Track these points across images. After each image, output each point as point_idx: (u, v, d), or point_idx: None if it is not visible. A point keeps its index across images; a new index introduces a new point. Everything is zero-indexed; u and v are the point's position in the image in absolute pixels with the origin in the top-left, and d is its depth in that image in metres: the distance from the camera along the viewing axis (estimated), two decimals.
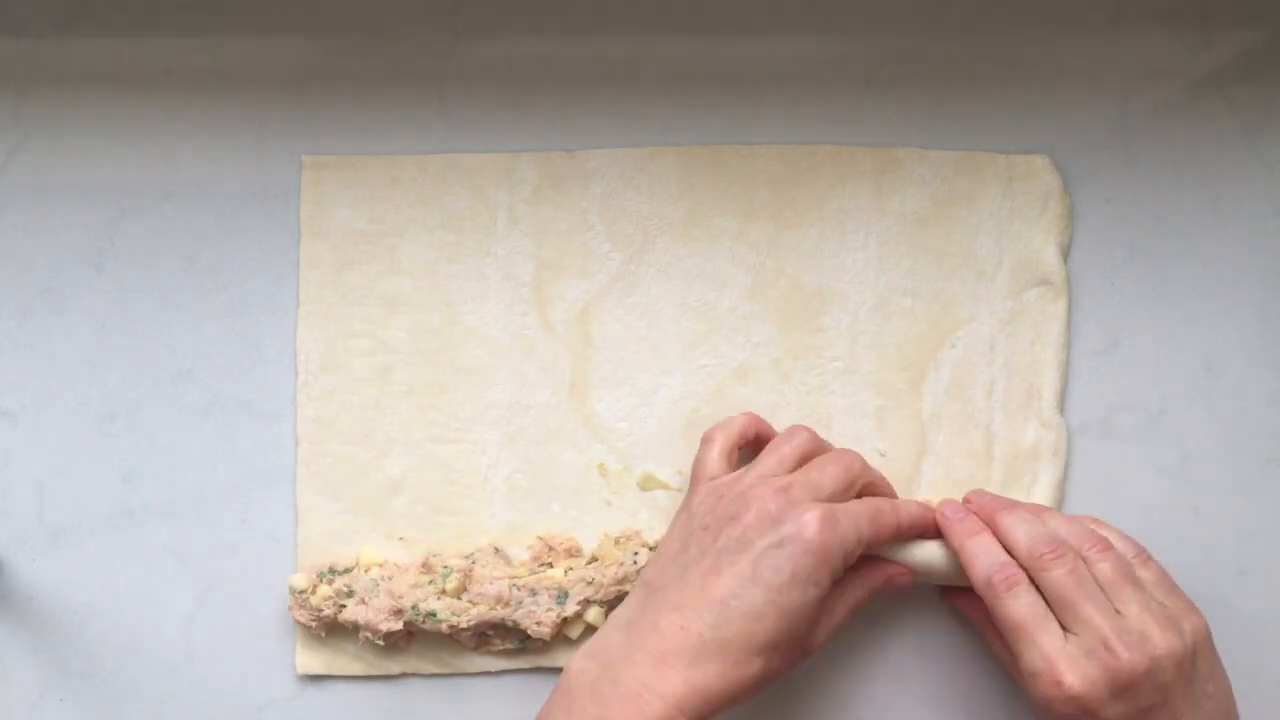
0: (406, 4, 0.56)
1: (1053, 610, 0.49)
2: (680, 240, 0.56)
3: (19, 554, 0.56)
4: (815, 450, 0.52)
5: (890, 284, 0.56)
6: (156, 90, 0.56)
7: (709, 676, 0.46)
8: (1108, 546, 0.50)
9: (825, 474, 0.50)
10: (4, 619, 0.56)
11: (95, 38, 0.56)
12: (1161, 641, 0.47)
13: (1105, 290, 0.56)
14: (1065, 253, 0.56)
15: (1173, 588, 0.51)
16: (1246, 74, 0.56)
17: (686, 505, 0.51)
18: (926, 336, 0.56)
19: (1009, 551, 0.50)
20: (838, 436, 0.56)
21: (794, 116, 0.56)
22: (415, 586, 0.54)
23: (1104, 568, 0.49)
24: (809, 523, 0.47)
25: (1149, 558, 0.51)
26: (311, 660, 0.56)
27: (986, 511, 0.52)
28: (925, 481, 0.56)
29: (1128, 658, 0.47)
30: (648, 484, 0.56)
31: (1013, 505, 0.52)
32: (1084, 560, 0.50)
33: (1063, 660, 0.47)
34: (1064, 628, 0.48)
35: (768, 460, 0.51)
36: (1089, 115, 0.56)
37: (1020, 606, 0.49)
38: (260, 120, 0.56)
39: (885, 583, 0.52)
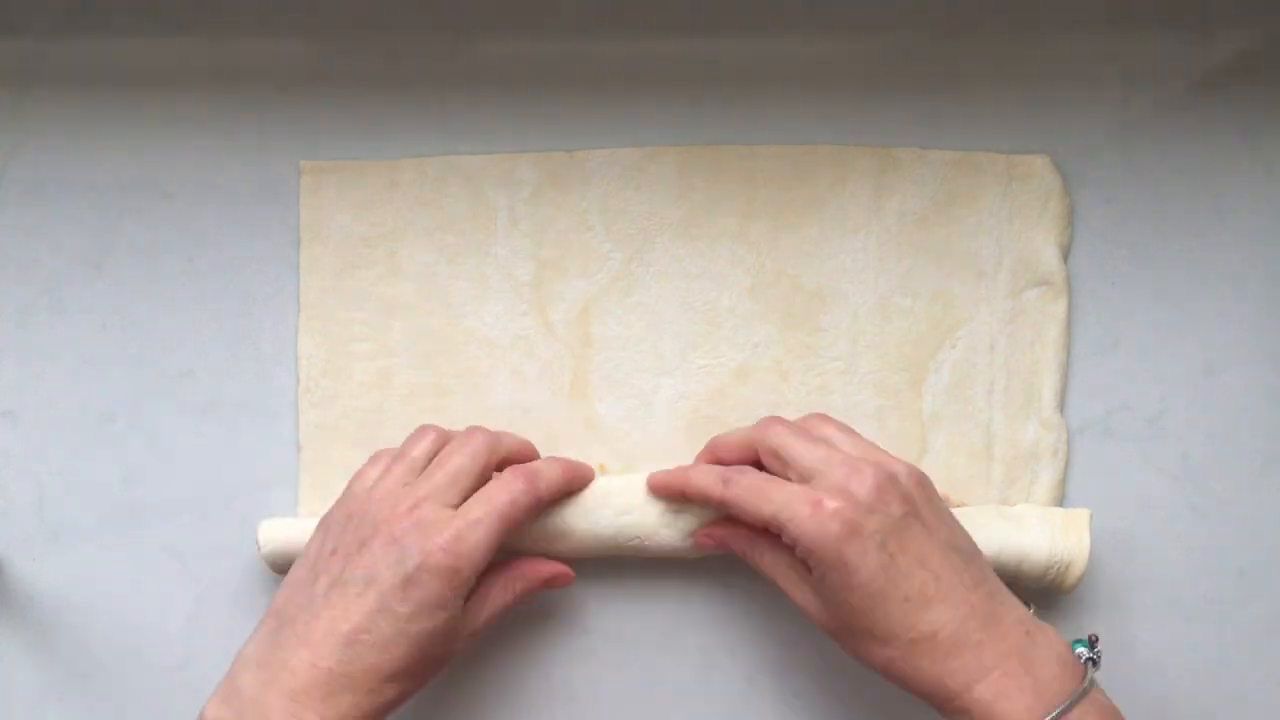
0: (406, 5, 0.56)
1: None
2: (680, 240, 0.56)
3: (19, 554, 0.56)
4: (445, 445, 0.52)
5: (890, 284, 0.56)
6: (156, 90, 0.56)
7: (343, 709, 0.46)
8: (824, 417, 0.53)
9: (451, 469, 0.50)
10: (4, 619, 0.56)
11: (95, 37, 0.56)
12: (891, 461, 0.49)
13: (1105, 290, 0.56)
14: (1065, 253, 0.56)
15: (884, 450, 0.51)
16: (1246, 74, 0.56)
17: (328, 515, 0.51)
18: (926, 336, 0.56)
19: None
20: (498, 430, 0.54)
21: (794, 116, 0.56)
22: None
23: (824, 428, 0.51)
24: (434, 551, 0.47)
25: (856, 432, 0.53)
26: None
27: (681, 470, 0.53)
28: None
29: (869, 470, 0.47)
30: None
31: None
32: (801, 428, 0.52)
33: (814, 491, 0.47)
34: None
35: (397, 469, 0.51)
36: (1089, 115, 0.56)
37: (755, 478, 0.49)
38: (260, 120, 0.56)
39: (541, 585, 0.53)
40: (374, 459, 0.52)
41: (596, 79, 0.56)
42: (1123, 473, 0.56)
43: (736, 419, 0.56)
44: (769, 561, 0.51)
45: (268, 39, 0.56)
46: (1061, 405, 0.56)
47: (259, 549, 0.53)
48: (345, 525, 0.49)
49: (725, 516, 0.52)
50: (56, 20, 0.56)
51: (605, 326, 0.56)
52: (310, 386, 0.56)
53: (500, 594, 0.51)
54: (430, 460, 0.51)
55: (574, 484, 0.53)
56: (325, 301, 0.56)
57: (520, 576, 0.52)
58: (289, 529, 0.53)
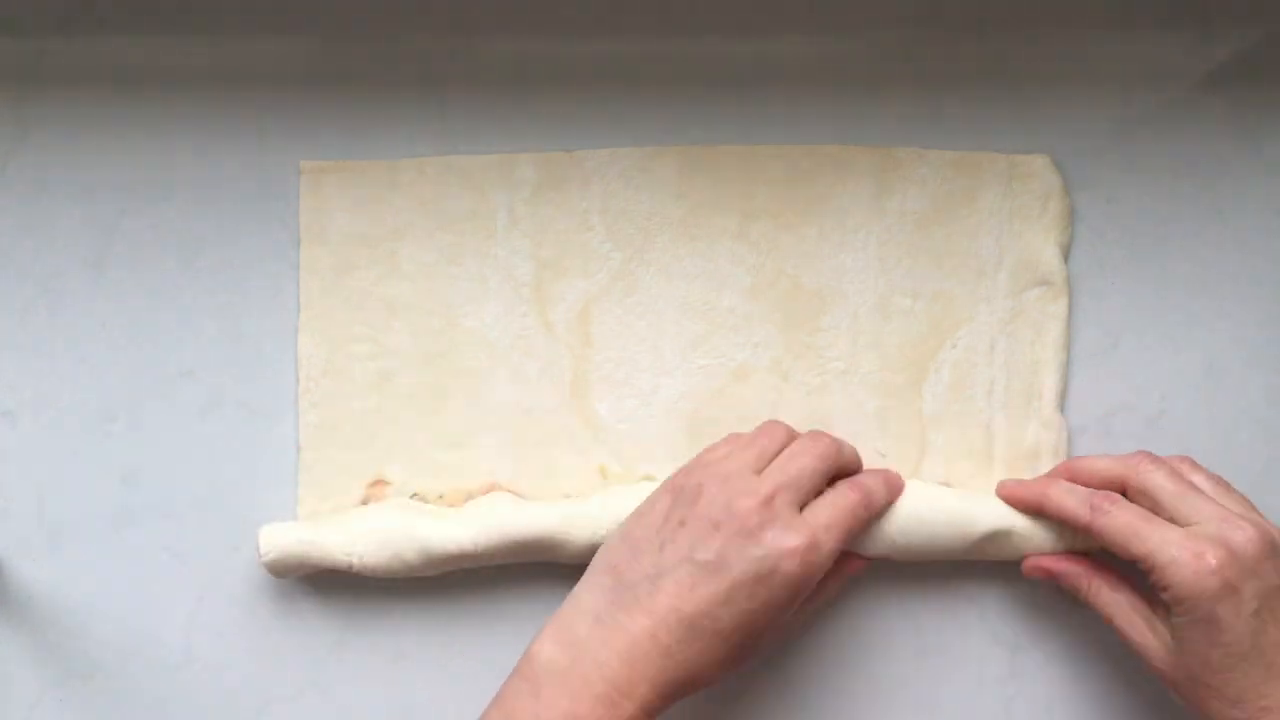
0: (406, 5, 0.56)
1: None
2: (680, 240, 0.56)
3: (19, 554, 0.56)
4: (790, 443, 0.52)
5: (890, 284, 0.56)
6: (156, 90, 0.56)
7: (674, 683, 0.47)
8: (1194, 463, 0.52)
9: (802, 468, 0.50)
10: (4, 619, 0.56)
11: (95, 38, 0.56)
12: (1269, 525, 0.49)
13: (1105, 290, 0.56)
14: (1065, 253, 0.56)
15: (1256, 509, 0.51)
16: (1246, 74, 0.56)
17: (672, 481, 0.51)
18: (926, 336, 0.56)
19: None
20: (837, 437, 0.55)
21: (794, 116, 0.56)
22: None
23: (1196, 475, 0.51)
24: (790, 556, 0.47)
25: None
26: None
27: (1040, 484, 0.53)
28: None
29: (1253, 529, 0.47)
30: None
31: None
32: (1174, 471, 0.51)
33: (1196, 540, 0.47)
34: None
35: (747, 455, 0.50)
36: (1089, 115, 0.56)
37: (1128, 512, 0.49)
38: (260, 120, 0.56)
39: (845, 579, 0.54)
40: (728, 438, 0.53)
41: (596, 79, 0.56)
42: None
43: (736, 419, 0.56)
44: (1107, 600, 0.51)
45: (267, 39, 0.56)
46: (1062, 405, 0.56)
47: (260, 556, 0.53)
48: (697, 499, 0.49)
49: (1055, 552, 0.53)
50: (56, 20, 0.56)
51: (605, 326, 0.56)
52: (310, 386, 0.56)
53: (819, 595, 0.52)
54: (776, 454, 0.51)
55: (894, 500, 0.53)
56: (325, 301, 0.56)
57: (836, 575, 0.53)
58: (289, 534, 0.53)
